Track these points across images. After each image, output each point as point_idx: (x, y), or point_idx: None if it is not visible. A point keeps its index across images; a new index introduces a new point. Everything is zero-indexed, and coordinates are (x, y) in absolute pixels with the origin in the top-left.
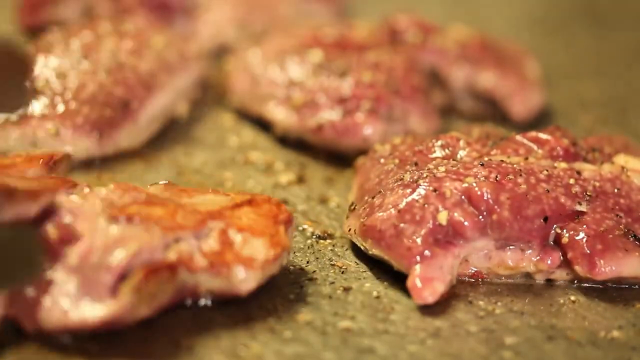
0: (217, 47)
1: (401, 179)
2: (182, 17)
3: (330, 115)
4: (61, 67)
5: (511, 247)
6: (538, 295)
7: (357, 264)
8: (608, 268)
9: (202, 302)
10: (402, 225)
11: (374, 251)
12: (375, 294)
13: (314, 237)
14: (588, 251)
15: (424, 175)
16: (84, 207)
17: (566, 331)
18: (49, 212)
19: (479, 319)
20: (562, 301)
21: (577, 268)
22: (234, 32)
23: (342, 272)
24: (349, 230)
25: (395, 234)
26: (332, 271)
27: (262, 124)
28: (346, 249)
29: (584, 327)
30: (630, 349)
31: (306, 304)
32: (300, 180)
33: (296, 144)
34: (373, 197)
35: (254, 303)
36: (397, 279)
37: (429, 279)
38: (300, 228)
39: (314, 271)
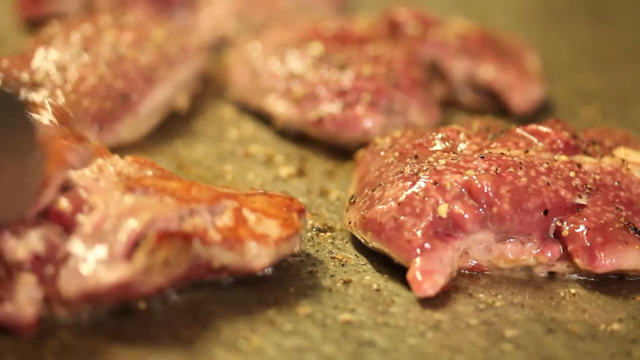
0: (217, 40)
1: (401, 172)
2: (182, 10)
3: (330, 108)
4: (61, 59)
5: (511, 240)
6: (538, 288)
7: (357, 256)
8: (608, 261)
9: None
10: (402, 218)
11: (374, 244)
12: (375, 286)
13: (314, 229)
14: (588, 244)
15: (424, 168)
16: (99, 179)
17: (566, 324)
18: (65, 188)
19: (479, 312)
20: (562, 294)
21: (577, 261)
22: (234, 25)
23: (342, 265)
24: (349, 223)
25: (396, 227)
26: (332, 264)
27: (262, 117)
28: (346, 242)
29: (584, 320)
30: (630, 341)
31: (306, 297)
32: (301, 173)
33: (296, 136)
34: (373, 190)
35: (254, 296)
36: (397, 271)
37: (429, 272)
38: None
39: (314, 264)
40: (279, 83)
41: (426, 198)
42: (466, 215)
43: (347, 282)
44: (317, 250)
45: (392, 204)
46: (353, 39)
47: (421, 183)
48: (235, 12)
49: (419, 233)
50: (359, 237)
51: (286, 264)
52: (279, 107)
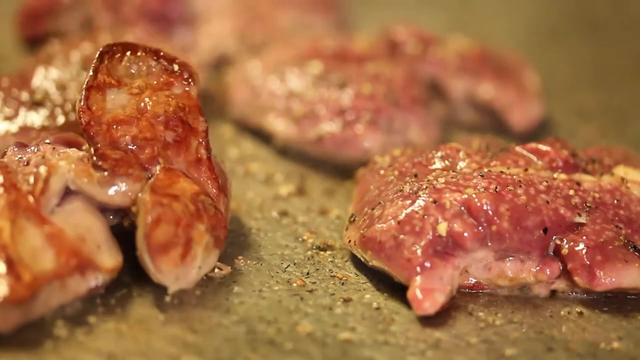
0: (217, 58)
1: (401, 191)
2: (182, 29)
3: (330, 126)
4: (61, 78)
5: (511, 258)
6: (538, 306)
7: (357, 275)
8: (608, 279)
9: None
10: (401, 236)
11: (374, 262)
12: (375, 305)
13: (314, 248)
14: (588, 262)
15: (424, 186)
16: None
17: (566, 342)
18: None
19: (479, 330)
20: (562, 312)
21: (577, 279)
22: (234, 43)
23: (342, 284)
24: (349, 241)
25: (395, 245)
26: (332, 282)
27: (262, 136)
28: (346, 261)
29: (584, 339)
30: (630, 359)
31: (306, 316)
32: (301, 191)
33: (296, 155)
34: (373, 209)
35: (255, 315)
36: (397, 290)
37: (429, 290)
38: (300, 239)
39: (314, 282)
40: (279, 102)
41: (426, 217)
42: (466, 234)
43: (347, 301)
44: (317, 269)
45: (392, 222)
46: (353, 57)
47: (420, 202)
48: (235, 31)
49: (418, 252)
50: (359, 255)
51: (286, 282)
52: (279, 126)
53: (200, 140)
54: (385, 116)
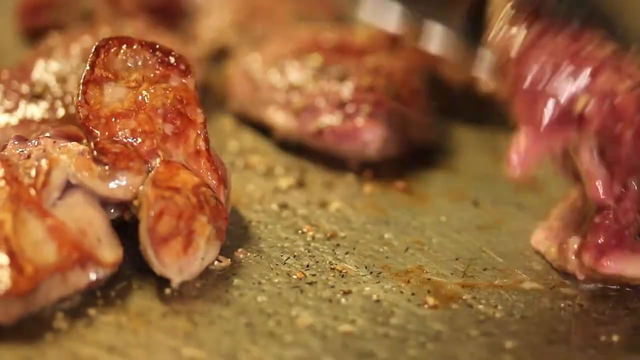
0: (217, 51)
1: (566, 51)
2: (182, 21)
3: (330, 119)
4: (61, 71)
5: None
6: (538, 299)
7: (357, 267)
8: (612, 264)
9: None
10: (543, 87)
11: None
12: (375, 297)
13: (314, 241)
14: (601, 241)
15: (585, 54)
16: None
17: (566, 335)
18: None
19: (479, 323)
20: (562, 305)
21: (585, 257)
22: (234, 36)
23: (342, 276)
24: (493, 42)
25: (531, 92)
26: (332, 275)
27: (262, 129)
28: (346, 253)
29: (584, 331)
30: (630, 352)
31: (306, 308)
32: (300, 184)
33: (296, 148)
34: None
35: (255, 307)
36: (396, 283)
37: (529, 151)
38: (300, 232)
39: (314, 275)
40: (279, 95)
41: (572, 85)
42: (596, 121)
43: (347, 293)
44: (317, 262)
45: (541, 71)
46: (352, 50)
47: (575, 69)
48: (235, 24)
49: (545, 111)
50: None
51: (286, 274)
52: (279, 119)
53: (199, 132)
54: (385, 109)
